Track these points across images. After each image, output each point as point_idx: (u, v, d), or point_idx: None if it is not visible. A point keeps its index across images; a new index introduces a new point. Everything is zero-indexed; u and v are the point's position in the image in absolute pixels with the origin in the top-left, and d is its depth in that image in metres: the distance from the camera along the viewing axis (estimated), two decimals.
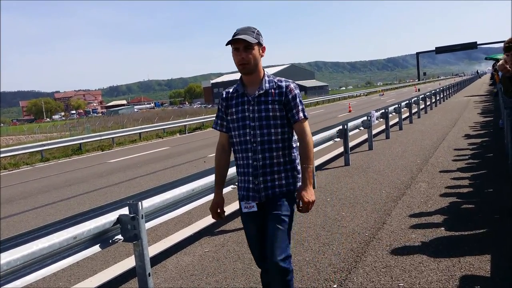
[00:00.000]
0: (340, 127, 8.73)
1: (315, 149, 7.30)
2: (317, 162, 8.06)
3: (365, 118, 10.31)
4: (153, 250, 4.73)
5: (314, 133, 7.79)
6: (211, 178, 4.92)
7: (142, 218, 3.67)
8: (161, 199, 4.17)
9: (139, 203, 3.67)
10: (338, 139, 8.73)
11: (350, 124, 9.33)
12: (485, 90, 35.60)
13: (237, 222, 5.59)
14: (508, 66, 5.24)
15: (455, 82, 42.90)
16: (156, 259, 4.52)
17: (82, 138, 19.93)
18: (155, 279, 4.05)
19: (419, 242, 4.28)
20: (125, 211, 3.73)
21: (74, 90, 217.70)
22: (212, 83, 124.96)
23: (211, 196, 4.99)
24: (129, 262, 4.58)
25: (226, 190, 5.23)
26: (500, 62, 5.77)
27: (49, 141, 19.35)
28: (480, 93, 31.64)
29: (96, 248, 3.57)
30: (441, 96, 25.89)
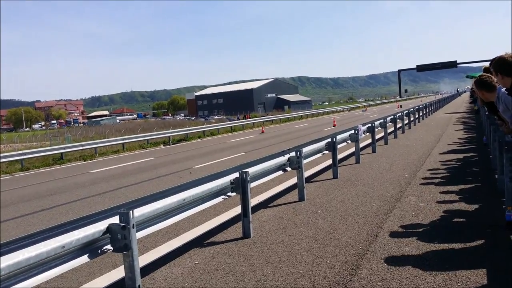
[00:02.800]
0: (329, 139, 8.72)
1: (305, 161, 7.27)
2: (306, 174, 8.00)
3: (352, 131, 10.34)
4: (141, 261, 4.56)
5: (303, 145, 7.77)
6: (202, 188, 4.83)
7: (134, 227, 3.55)
8: (152, 208, 4.05)
9: (131, 211, 3.55)
10: (327, 151, 8.71)
11: (339, 137, 9.34)
12: (465, 107, 36.32)
13: (227, 234, 5.48)
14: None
15: (436, 100, 43.65)
16: (145, 271, 4.36)
17: (64, 148, 19.59)
18: None
19: (414, 255, 4.23)
20: (115, 220, 3.60)
21: (55, 100, 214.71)
22: (196, 96, 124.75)
23: (202, 207, 4.89)
24: (116, 274, 4.42)
25: (216, 201, 5.15)
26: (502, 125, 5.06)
27: (29, 150, 18.92)
28: (461, 110, 32.24)
29: (84, 258, 3.43)
30: (424, 112, 26.27)
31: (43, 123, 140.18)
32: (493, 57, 4.57)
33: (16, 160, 17.47)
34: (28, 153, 17.86)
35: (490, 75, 4.56)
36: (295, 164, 6.91)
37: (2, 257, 2.85)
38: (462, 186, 7.05)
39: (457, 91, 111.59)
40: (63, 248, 3.20)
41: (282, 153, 6.86)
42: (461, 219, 5.35)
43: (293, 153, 6.94)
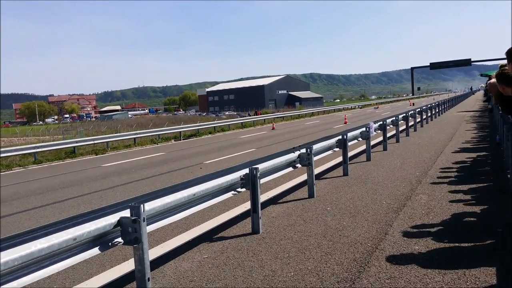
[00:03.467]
0: (340, 137, 8.69)
1: (315, 158, 7.26)
2: (316, 171, 8.01)
3: (363, 129, 10.30)
4: (151, 254, 4.60)
5: (313, 142, 7.76)
6: (212, 183, 4.86)
7: (144, 221, 3.59)
8: (162, 203, 4.08)
9: (141, 205, 3.58)
10: (337, 149, 8.69)
11: (349, 135, 9.30)
12: (479, 106, 35.89)
13: (236, 229, 5.50)
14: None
15: (449, 98, 43.22)
16: (154, 264, 4.41)
17: (76, 142, 19.80)
18: (153, 285, 3.95)
19: (423, 253, 4.21)
20: (126, 213, 3.65)
21: (68, 94, 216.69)
22: (207, 91, 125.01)
23: (212, 202, 4.92)
24: (126, 266, 4.47)
25: (226, 196, 5.18)
26: (492, 81, 5.51)
27: (42, 144, 19.16)
28: (475, 109, 31.88)
29: (95, 251, 3.47)
30: (436, 110, 26.03)
31: (56, 117, 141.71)
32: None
33: (29, 153, 17.70)
34: (41, 147, 18.09)
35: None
36: (305, 161, 6.91)
37: (15, 248, 2.91)
38: (474, 186, 6.99)
39: (471, 89, 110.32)
40: (75, 240, 3.25)
41: (293, 150, 6.86)
42: (472, 219, 5.31)
43: (303, 150, 6.94)
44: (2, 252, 2.81)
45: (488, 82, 6.22)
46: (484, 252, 4.19)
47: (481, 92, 68.70)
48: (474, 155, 10.17)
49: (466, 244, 4.39)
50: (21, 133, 50.82)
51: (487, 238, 4.57)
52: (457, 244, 4.40)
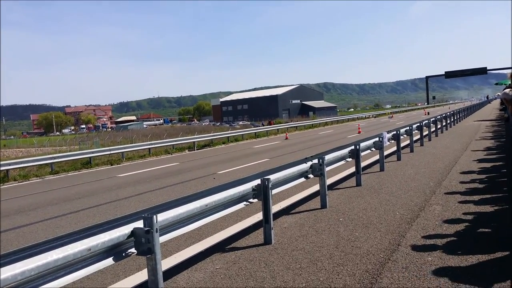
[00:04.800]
0: (352, 147, 8.69)
1: (327, 168, 7.27)
2: (329, 181, 8.00)
3: (376, 139, 10.26)
4: (164, 264, 4.66)
5: (325, 153, 7.77)
6: (224, 194, 4.90)
7: (157, 231, 3.65)
8: (175, 213, 4.14)
9: (154, 216, 3.64)
10: (350, 159, 8.68)
11: (362, 145, 9.28)
12: (495, 115, 35.43)
13: (249, 240, 5.53)
14: None
15: (465, 107, 42.76)
16: (167, 274, 4.46)
17: (92, 152, 20.04)
18: None
19: (436, 265, 4.18)
20: (139, 224, 3.71)
21: (85, 105, 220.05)
22: (221, 101, 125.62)
23: (224, 212, 4.96)
24: (140, 277, 4.53)
25: (238, 207, 5.21)
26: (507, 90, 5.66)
27: (59, 154, 19.46)
28: (491, 118, 31.48)
29: (109, 261, 3.53)
30: (452, 120, 25.77)
31: (72, 127, 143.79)
32: None
33: (46, 164, 17.99)
34: (58, 157, 18.37)
35: None
36: (318, 171, 6.92)
37: (32, 258, 2.99)
38: (488, 196, 6.91)
39: (487, 97, 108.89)
40: (89, 250, 3.31)
41: (305, 160, 6.88)
42: (486, 230, 5.25)
43: (315, 160, 6.95)
44: (19, 263, 2.89)
45: (504, 97, 6.23)
46: (498, 264, 4.14)
47: (498, 101, 67.81)
48: (489, 165, 10.05)
49: (480, 256, 4.35)
50: (38, 144, 51.66)
51: (501, 250, 4.51)
52: (470, 256, 4.36)
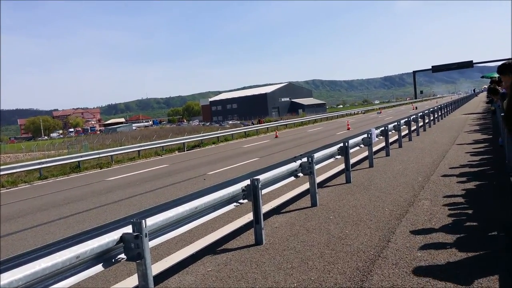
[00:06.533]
0: (341, 144, 8.72)
1: (317, 166, 7.30)
2: (318, 179, 8.03)
3: (365, 135, 10.32)
4: (155, 269, 4.64)
5: (315, 151, 7.79)
6: (214, 196, 4.89)
7: (146, 236, 3.63)
8: (164, 217, 4.12)
9: (143, 221, 3.62)
10: (339, 156, 8.72)
11: (351, 142, 9.33)
12: (482, 108, 35.81)
13: (240, 241, 5.53)
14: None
15: (452, 100, 43.15)
16: (158, 279, 4.44)
17: (81, 156, 19.90)
18: None
19: (425, 260, 4.22)
20: (128, 229, 3.68)
21: (73, 108, 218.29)
22: (211, 101, 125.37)
23: (214, 214, 4.96)
24: (131, 282, 4.51)
25: (228, 208, 5.21)
26: None
27: (47, 159, 19.27)
28: (478, 111, 31.82)
29: (98, 268, 3.51)
30: (439, 114, 26.00)
31: (60, 131, 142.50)
32: (509, 56, 4.83)
33: (34, 169, 17.81)
34: (46, 162, 18.20)
35: None
36: (307, 169, 6.94)
37: (19, 268, 2.95)
38: (476, 190, 6.99)
39: (474, 91, 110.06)
40: (78, 258, 3.28)
41: (294, 159, 6.89)
42: (474, 223, 5.30)
43: (304, 159, 6.97)
44: (6, 273, 2.85)
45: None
46: (487, 257, 4.19)
47: (484, 94, 68.56)
48: (477, 158, 10.16)
49: (468, 249, 4.39)
50: (26, 149, 51.11)
51: (490, 243, 4.57)
52: (459, 250, 4.40)
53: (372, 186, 8.10)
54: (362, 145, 10.31)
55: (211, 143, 28.27)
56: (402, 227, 5.37)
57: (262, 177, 5.73)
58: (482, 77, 29.93)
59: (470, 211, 5.83)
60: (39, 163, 17.90)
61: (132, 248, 3.63)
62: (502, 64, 5.64)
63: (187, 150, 24.81)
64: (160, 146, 24.66)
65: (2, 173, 16.27)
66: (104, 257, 3.56)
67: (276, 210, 6.98)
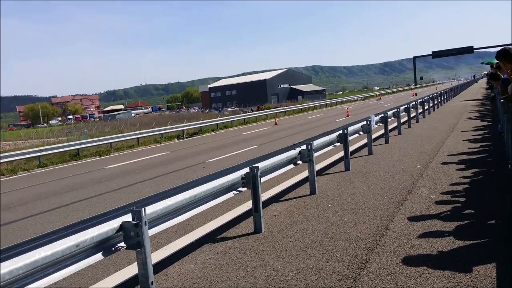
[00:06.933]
0: (340, 131, 8.71)
1: (316, 154, 7.30)
2: (317, 167, 8.04)
3: (364, 122, 10.30)
4: (154, 257, 4.67)
5: (314, 138, 7.79)
6: (213, 184, 4.90)
7: (146, 225, 3.64)
8: (164, 205, 4.13)
9: (143, 209, 3.63)
10: (338, 144, 8.72)
11: (350, 129, 9.31)
12: (482, 94, 35.73)
13: (239, 229, 5.55)
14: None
15: (452, 87, 43.03)
16: (158, 267, 4.47)
17: (80, 144, 19.88)
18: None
19: (423, 248, 4.25)
20: (128, 217, 3.69)
21: (71, 95, 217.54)
22: (210, 88, 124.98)
23: (213, 202, 4.97)
24: (131, 270, 4.53)
25: (227, 196, 5.22)
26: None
27: (46, 147, 19.26)
28: (477, 98, 31.75)
29: (98, 256, 3.52)
30: (439, 100, 25.95)
31: (59, 118, 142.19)
32: (510, 41, 4.85)
33: (34, 157, 17.80)
34: (45, 150, 18.18)
35: None
36: (306, 157, 6.94)
37: (19, 256, 2.97)
38: (475, 177, 7.01)
39: (474, 77, 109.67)
40: (78, 246, 3.30)
41: (293, 147, 6.89)
42: (473, 211, 5.33)
43: (303, 146, 6.97)
44: (7, 262, 2.86)
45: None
46: (485, 245, 4.22)
47: (484, 80, 68.37)
48: (476, 145, 10.16)
49: (466, 237, 4.41)
50: (25, 136, 51.08)
51: (488, 231, 4.60)
52: (457, 238, 4.43)
53: (371, 173, 8.12)
54: (361, 132, 10.30)
55: (210, 130, 28.25)
56: (400, 215, 5.40)
57: (261, 165, 5.73)
58: (482, 63, 29.80)
59: (468, 199, 5.85)
60: (38, 151, 17.88)
61: (132, 236, 3.65)
62: (500, 50, 5.73)
63: (186, 138, 24.80)
64: (160, 134, 24.63)
65: (1, 160, 16.26)
66: (104, 245, 3.58)
67: (275, 198, 7.01)
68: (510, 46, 5.85)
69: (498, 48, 5.99)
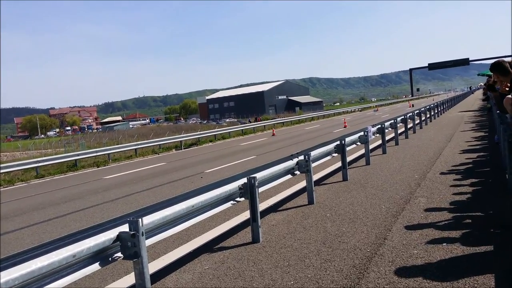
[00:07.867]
0: (338, 142, 8.74)
1: (314, 164, 7.31)
2: (315, 177, 8.05)
3: (362, 133, 10.34)
4: (152, 267, 4.65)
5: (311, 149, 7.80)
6: (211, 194, 4.90)
7: (143, 235, 3.63)
8: (161, 216, 4.12)
9: (140, 220, 3.63)
10: (336, 154, 8.73)
11: (348, 139, 9.34)
12: (478, 105, 35.90)
13: (237, 239, 5.54)
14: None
15: (448, 98, 43.25)
16: (155, 277, 4.45)
17: (78, 155, 19.86)
18: None
19: (421, 257, 4.24)
20: (125, 228, 3.69)
21: (69, 107, 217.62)
22: (208, 99, 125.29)
23: (211, 212, 4.96)
24: (128, 280, 4.51)
25: (225, 206, 5.21)
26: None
27: (44, 158, 19.24)
28: (474, 109, 31.89)
29: (95, 266, 3.51)
30: (436, 111, 26.06)
31: (57, 130, 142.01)
32: (506, 53, 4.96)
33: (31, 168, 17.76)
34: (43, 161, 18.15)
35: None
36: (304, 167, 6.95)
37: (16, 267, 2.95)
38: (473, 187, 7.01)
39: (470, 88, 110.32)
40: (74, 257, 3.28)
41: (291, 157, 6.90)
42: (470, 221, 5.33)
43: (301, 157, 6.98)
44: (3, 272, 2.85)
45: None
46: (483, 255, 4.21)
47: (480, 91, 68.74)
48: (473, 155, 10.19)
49: (464, 247, 4.41)
50: (23, 147, 50.97)
51: (486, 240, 4.59)
52: (455, 247, 4.42)
53: (369, 183, 8.12)
54: (358, 143, 10.33)
55: (208, 141, 28.26)
56: (398, 224, 5.39)
57: (259, 175, 5.73)
58: (478, 74, 29.99)
59: (467, 209, 5.85)
60: (36, 162, 17.86)
61: (129, 246, 3.64)
62: (494, 63, 5.97)
63: (184, 148, 24.80)
64: (157, 144, 24.64)
65: (0, 171, 16.22)
66: (101, 255, 3.56)
67: (273, 208, 7.00)
68: (504, 59, 6.00)
69: (493, 60, 6.13)
